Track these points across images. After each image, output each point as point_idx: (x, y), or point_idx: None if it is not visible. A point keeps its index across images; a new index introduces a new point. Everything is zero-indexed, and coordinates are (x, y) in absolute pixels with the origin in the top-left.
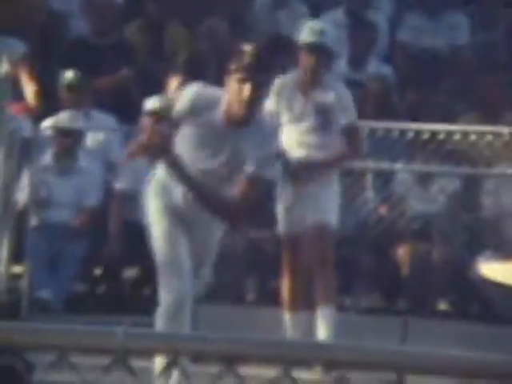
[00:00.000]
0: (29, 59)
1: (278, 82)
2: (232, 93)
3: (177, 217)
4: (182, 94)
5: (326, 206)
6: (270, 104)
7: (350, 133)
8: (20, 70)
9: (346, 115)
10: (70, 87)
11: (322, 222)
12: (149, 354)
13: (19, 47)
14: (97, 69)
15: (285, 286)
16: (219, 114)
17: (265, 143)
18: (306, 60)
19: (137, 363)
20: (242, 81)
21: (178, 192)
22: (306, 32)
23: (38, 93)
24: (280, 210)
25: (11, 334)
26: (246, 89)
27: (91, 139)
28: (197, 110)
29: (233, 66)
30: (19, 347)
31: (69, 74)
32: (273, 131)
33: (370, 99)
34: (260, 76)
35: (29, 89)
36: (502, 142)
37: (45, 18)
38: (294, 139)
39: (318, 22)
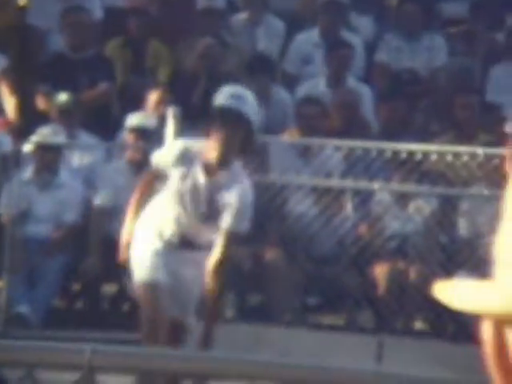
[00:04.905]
0: (10, 73)
1: (184, 145)
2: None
3: None
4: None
5: (191, 297)
6: (164, 160)
7: (227, 240)
8: (1, 84)
9: (236, 219)
10: (63, 110)
11: (180, 318)
12: (116, 370)
13: (1, 62)
14: (74, 84)
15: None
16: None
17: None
18: (217, 130)
19: (104, 379)
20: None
21: None
22: (221, 95)
23: (19, 107)
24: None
25: None
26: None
27: (77, 159)
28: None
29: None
30: None
31: (62, 97)
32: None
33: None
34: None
35: (10, 103)
36: (477, 163)
37: (22, 33)
38: (172, 216)
39: (238, 88)
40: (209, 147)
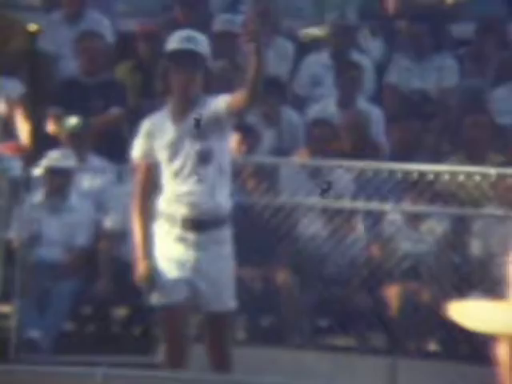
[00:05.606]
0: (25, 100)
1: (146, 123)
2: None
3: None
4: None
5: (224, 284)
6: (140, 146)
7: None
8: (16, 110)
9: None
10: (72, 134)
11: (219, 309)
12: None
13: (17, 88)
14: (88, 109)
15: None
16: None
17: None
18: (174, 76)
19: None
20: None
21: None
22: (173, 41)
23: (32, 133)
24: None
25: None
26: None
27: (87, 183)
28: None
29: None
30: None
31: (72, 121)
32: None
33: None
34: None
35: (23, 129)
36: (489, 183)
37: (34, 59)
38: (172, 191)
39: (186, 31)
40: (170, 101)
